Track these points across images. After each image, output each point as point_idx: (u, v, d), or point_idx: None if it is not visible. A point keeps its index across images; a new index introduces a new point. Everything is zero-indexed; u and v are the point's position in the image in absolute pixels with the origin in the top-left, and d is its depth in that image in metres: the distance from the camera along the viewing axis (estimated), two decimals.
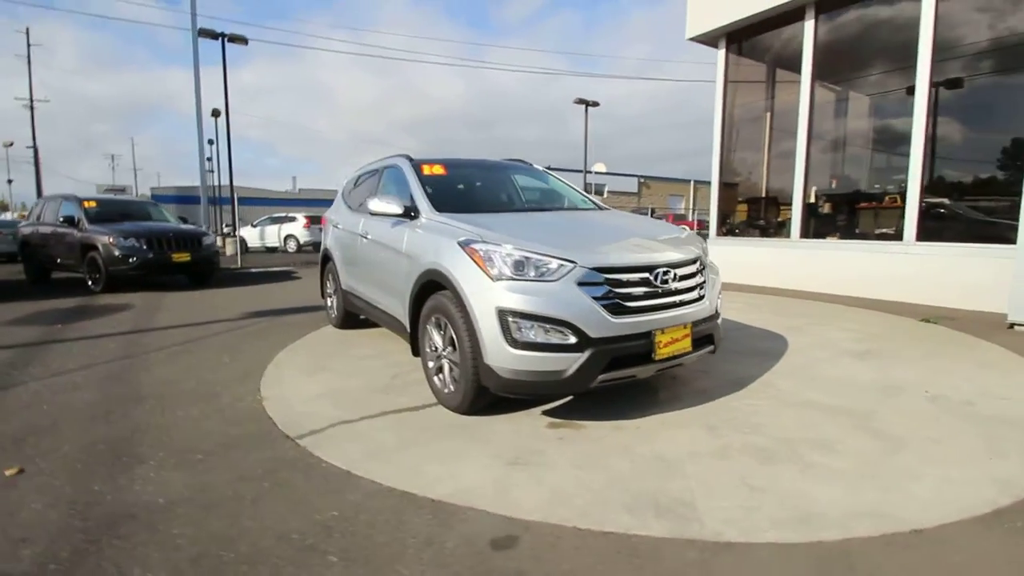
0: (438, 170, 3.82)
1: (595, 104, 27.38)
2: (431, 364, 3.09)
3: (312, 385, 3.49)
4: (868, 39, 6.62)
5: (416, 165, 3.82)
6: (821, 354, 3.97)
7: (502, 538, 1.81)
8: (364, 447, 2.53)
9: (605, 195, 40.71)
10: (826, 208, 7.24)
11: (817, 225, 7.09)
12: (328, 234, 5.18)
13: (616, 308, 2.52)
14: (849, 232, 6.90)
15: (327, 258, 5.24)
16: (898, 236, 6.01)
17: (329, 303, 5.36)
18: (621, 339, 2.50)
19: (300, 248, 19.92)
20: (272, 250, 19.98)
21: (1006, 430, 2.59)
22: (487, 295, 2.53)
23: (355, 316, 5.01)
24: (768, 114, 8.34)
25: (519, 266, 2.53)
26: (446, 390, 2.95)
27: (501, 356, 2.48)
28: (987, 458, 2.31)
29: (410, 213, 3.40)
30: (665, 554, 1.71)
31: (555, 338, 2.43)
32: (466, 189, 3.96)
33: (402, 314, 3.43)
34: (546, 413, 2.88)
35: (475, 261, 2.63)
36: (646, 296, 2.61)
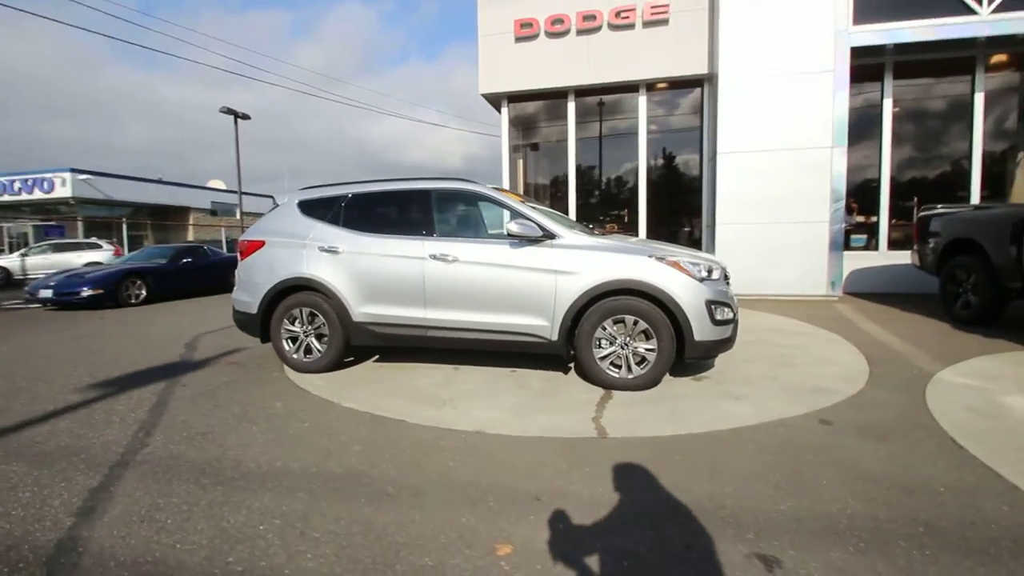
0: (516, 197, 4.25)
1: (246, 116, 24.78)
2: (602, 359, 3.77)
3: (483, 412, 3.43)
4: (600, 114, 9.96)
5: (500, 192, 4.14)
6: None
7: (818, 420, 3.17)
8: (658, 421, 3.19)
9: (238, 216, 36.64)
10: None
11: None
12: (302, 261, 4.29)
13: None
14: None
15: (292, 289, 4.34)
16: None
17: (288, 347, 4.40)
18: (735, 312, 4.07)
19: None
20: None
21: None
22: (696, 292, 3.63)
23: (345, 354, 4.43)
24: (522, 161, 10.92)
25: (706, 271, 3.74)
26: (630, 375, 3.74)
27: (707, 332, 3.64)
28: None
29: (547, 236, 3.86)
30: (815, 398, 3.48)
31: (728, 315, 3.78)
32: (552, 214, 4.47)
33: (542, 326, 3.85)
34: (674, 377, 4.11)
35: (679, 270, 3.65)
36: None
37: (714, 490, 2.35)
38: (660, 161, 9.52)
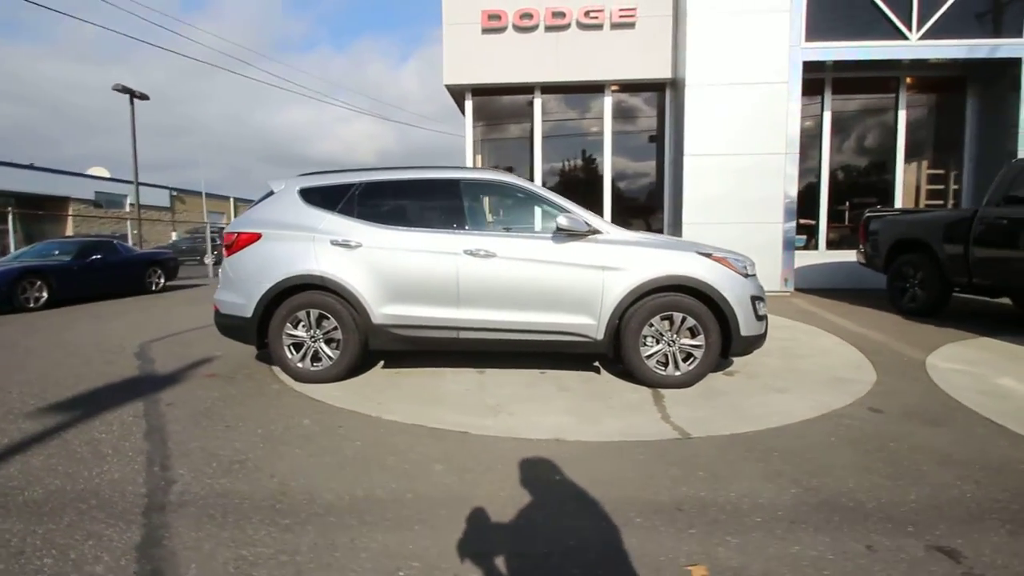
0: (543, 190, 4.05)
1: (144, 97, 21.83)
2: (648, 357, 3.68)
3: (544, 418, 3.21)
4: (566, 112, 9.94)
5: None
6: None
7: (868, 408, 3.31)
8: (728, 418, 3.17)
9: (127, 208, 32.55)
10: None
11: None
12: (311, 257, 3.77)
13: None
14: None
15: (296, 288, 3.80)
16: None
17: (291, 355, 3.86)
18: None
19: None
20: None
21: None
22: (743, 288, 3.66)
23: (362, 358, 3.98)
24: (480, 156, 10.65)
25: (748, 266, 3.77)
26: (677, 372, 3.69)
27: (751, 327, 3.69)
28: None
29: (592, 231, 3.70)
30: (847, 387, 3.69)
31: (765, 310, 3.86)
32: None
33: (588, 325, 3.69)
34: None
35: (726, 266, 3.66)
36: None
37: (839, 486, 2.33)
38: (624, 160, 9.72)
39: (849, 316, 6.56)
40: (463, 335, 3.80)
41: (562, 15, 8.69)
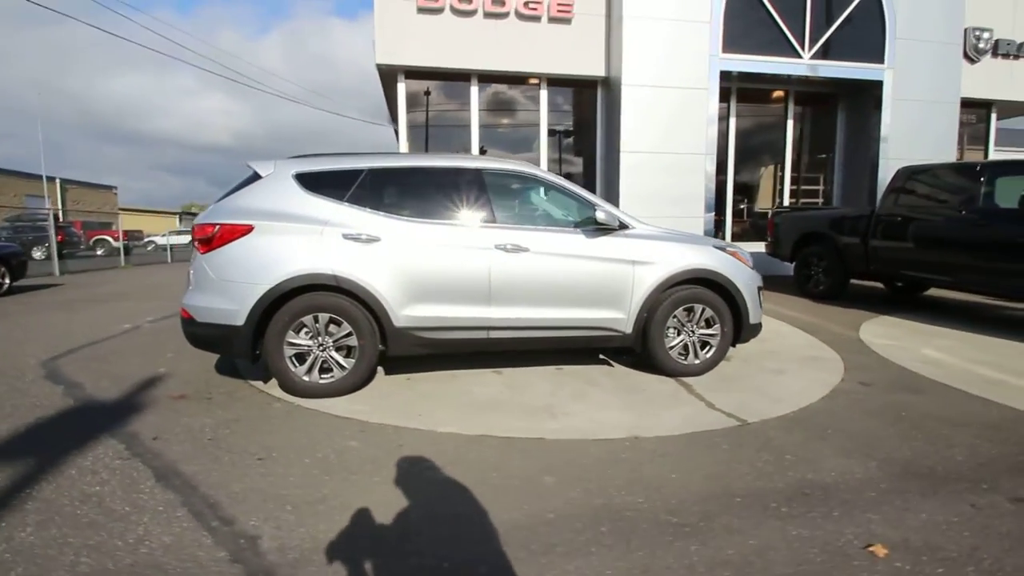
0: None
1: None
2: (673, 348, 3.83)
3: (600, 415, 3.17)
4: (502, 101, 9.76)
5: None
6: None
7: (859, 383, 3.78)
8: (762, 401, 3.41)
9: None
10: None
11: None
12: (321, 253, 3.25)
13: None
14: None
15: (300, 290, 3.28)
16: None
17: (294, 367, 3.34)
18: None
19: None
20: None
21: None
22: (751, 279, 3.94)
23: (375, 366, 3.60)
24: (407, 144, 10.09)
25: (749, 258, 4.06)
26: (696, 361, 3.88)
27: (756, 315, 4.00)
28: None
29: (623, 226, 3.71)
30: (827, 365, 4.25)
31: (762, 298, 4.20)
32: None
33: (618, 319, 3.73)
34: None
35: (737, 259, 3.90)
36: None
37: (902, 456, 2.64)
38: (558, 152, 9.89)
39: (771, 301, 7.42)
40: (494, 335, 3.59)
41: (501, 3, 8.52)
